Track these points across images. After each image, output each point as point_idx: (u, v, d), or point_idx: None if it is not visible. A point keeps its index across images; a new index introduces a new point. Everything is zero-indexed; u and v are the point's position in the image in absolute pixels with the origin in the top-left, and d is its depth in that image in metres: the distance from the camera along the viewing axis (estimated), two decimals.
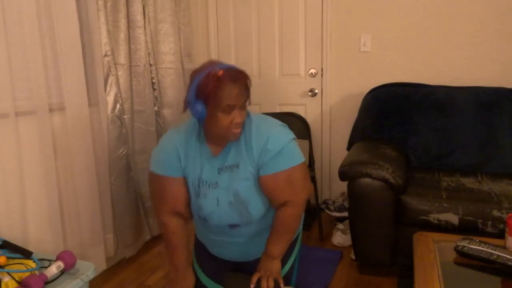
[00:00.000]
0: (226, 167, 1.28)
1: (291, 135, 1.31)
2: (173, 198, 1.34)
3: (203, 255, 1.50)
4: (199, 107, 1.19)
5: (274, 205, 1.31)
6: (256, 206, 1.29)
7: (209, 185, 1.30)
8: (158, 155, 1.34)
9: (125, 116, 2.27)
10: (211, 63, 1.22)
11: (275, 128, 1.29)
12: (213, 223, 1.34)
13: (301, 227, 1.52)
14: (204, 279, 1.45)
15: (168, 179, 1.32)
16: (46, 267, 1.37)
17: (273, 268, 1.31)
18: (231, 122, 1.20)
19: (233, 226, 1.33)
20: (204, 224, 1.39)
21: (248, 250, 1.40)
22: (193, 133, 1.32)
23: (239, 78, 1.18)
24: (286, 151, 1.26)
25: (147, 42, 2.43)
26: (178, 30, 2.70)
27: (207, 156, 1.30)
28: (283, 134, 1.28)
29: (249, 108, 1.31)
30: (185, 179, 1.33)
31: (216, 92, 1.16)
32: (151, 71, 2.50)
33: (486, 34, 2.54)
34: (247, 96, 1.23)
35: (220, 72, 1.16)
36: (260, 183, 1.28)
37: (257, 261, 1.34)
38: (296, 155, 1.29)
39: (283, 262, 1.38)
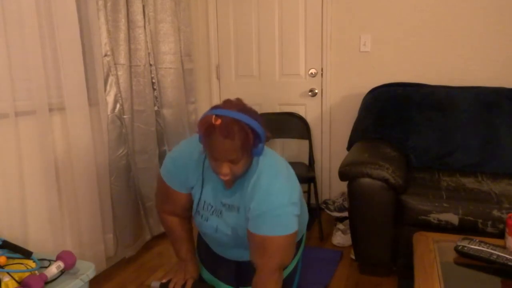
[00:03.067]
0: (228, 205, 1.26)
1: (289, 198, 1.16)
2: (175, 204, 1.35)
3: (204, 250, 1.51)
4: (201, 139, 1.13)
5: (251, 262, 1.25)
6: None
7: (213, 211, 1.28)
8: (168, 165, 1.30)
9: (125, 116, 2.27)
10: (230, 104, 1.11)
11: (275, 186, 1.17)
12: (212, 238, 1.36)
13: (305, 229, 1.51)
14: (204, 272, 1.47)
15: (173, 190, 1.32)
16: (46, 267, 1.37)
17: None
18: (218, 170, 1.12)
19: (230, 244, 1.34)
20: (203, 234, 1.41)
21: (246, 253, 1.40)
22: (203, 160, 1.27)
23: (231, 134, 1.05)
24: (270, 217, 1.14)
25: (147, 42, 2.43)
26: (178, 30, 2.70)
27: (216, 185, 1.27)
28: (277, 197, 1.15)
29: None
30: (190, 194, 1.32)
31: (205, 138, 1.09)
32: (151, 71, 2.50)
33: (486, 34, 2.54)
34: (244, 152, 1.09)
35: (217, 122, 1.05)
36: None
37: None
38: (280, 225, 1.15)
39: None
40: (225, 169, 1.11)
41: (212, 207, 1.28)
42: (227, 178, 1.13)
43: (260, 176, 1.18)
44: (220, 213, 1.27)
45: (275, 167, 1.21)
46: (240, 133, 1.06)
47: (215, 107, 1.11)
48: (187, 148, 1.29)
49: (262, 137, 1.13)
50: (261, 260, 1.19)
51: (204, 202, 1.29)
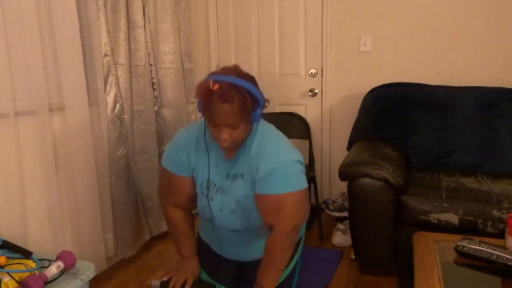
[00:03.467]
0: (232, 175, 1.26)
1: (294, 156, 1.20)
2: (179, 194, 1.35)
3: (203, 250, 1.50)
4: (199, 105, 1.16)
5: (263, 223, 1.27)
6: (258, 216, 1.27)
7: (216, 189, 1.29)
8: (169, 152, 1.32)
9: (125, 116, 2.27)
10: (227, 70, 1.13)
11: (279, 145, 1.21)
12: (217, 225, 1.34)
13: (303, 230, 1.51)
14: (202, 273, 1.47)
15: (176, 176, 1.32)
16: (46, 267, 1.37)
17: None
18: (218, 136, 1.14)
19: (235, 231, 1.33)
20: (209, 224, 1.39)
21: (250, 250, 1.40)
22: (203, 133, 1.29)
23: (229, 98, 1.06)
24: (280, 174, 1.16)
25: (147, 42, 2.43)
26: (178, 30, 2.70)
27: (218, 160, 1.28)
28: (284, 154, 1.19)
29: None
30: (193, 178, 1.33)
31: (204, 104, 1.10)
32: (151, 71, 2.50)
33: (486, 34, 2.54)
34: (243, 115, 1.11)
35: (215, 86, 1.06)
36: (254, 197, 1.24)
37: (257, 262, 1.34)
38: (291, 181, 1.18)
39: None
40: (225, 134, 1.12)
41: (215, 185, 1.29)
42: (226, 144, 1.15)
43: (263, 138, 1.21)
44: (223, 189, 1.27)
45: (275, 131, 1.27)
46: (238, 97, 1.08)
47: (212, 73, 1.13)
48: (185, 131, 1.32)
49: (260, 101, 1.16)
50: (277, 220, 1.20)
51: (208, 180, 1.29)
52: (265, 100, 1.19)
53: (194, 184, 1.34)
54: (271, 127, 1.30)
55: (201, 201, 1.33)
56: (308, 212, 1.29)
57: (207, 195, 1.30)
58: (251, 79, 1.15)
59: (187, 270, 1.40)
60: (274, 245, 1.23)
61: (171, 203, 1.38)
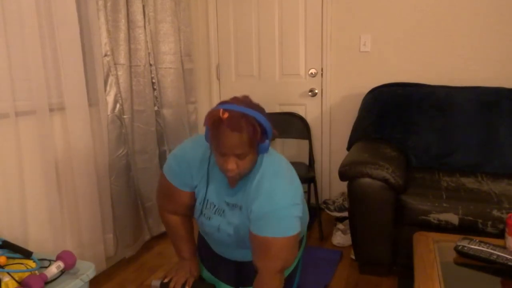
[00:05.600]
0: (231, 205, 1.25)
1: (291, 200, 1.16)
2: (178, 204, 1.34)
3: (205, 250, 1.51)
4: (207, 133, 1.14)
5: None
6: None
7: (215, 211, 1.28)
8: (172, 163, 1.29)
9: (125, 116, 2.27)
10: (237, 100, 1.11)
11: (278, 187, 1.16)
12: (214, 239, 1.36)
13: (305, 231, 1.50)
14: (203, 270, 1.47)
15: (176, 189, 1.31)
16: (46, 267, 1.37)
17: None
18: (224, 166, 1.12)
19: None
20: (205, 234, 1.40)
21: (248, 253, 1.40)
22: (208, 157, 1.26)
23: (239, 128, 1.05)
24: (272, 218, 1.13)
25: (147, 42, 2.43)
26: (178, 30, 2.70)
27: (221, 184, 1.26)
28: (280, 198, 1.14)
29: None
30: (193, 193, 1.31)
31: (212, 133, 1.09)
32: (151, 71, 2.50)
33: (486, 34, 2.54)
34: (251, 147, 1.09)
35: (225, 115, 1.05)
36: None
37: None
38: (283, 226, 1.14)
39: None
40: (232, 164, 1.10)
41: (215, 206, 1.28)
42: (233, 174, 1.12)
43: (263, 176, 1.18)
44: (223, 212, 1.27)
45: (278, 167, 1.21)
46: (248, 127, 1.06)
47: (222, 103, 1.11)
48: (192, 147, 1.29)
49: (269, 133, 1.13)
50: (263, 263, 1.18)
51: (207, 200, 1.29)
52: (274, 133, 1.16)
53: (193, 198, 1.32)
54: (274, 160, 1.23)
55: (199, 218, 1.33)
56: (295, 255, 1.26)
57: (205, 214, 1.30)
58: (261, 110, 1.13)
59: (187, 271, 1.40)
60: (258, 285, 1.21)
61: (169, 210, 1.37)
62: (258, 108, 1.12)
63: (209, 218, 1.29)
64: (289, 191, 1.17)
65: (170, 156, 1.31)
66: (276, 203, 1.14)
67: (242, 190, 1.22)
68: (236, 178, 1.17)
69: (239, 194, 1.23)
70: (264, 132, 1.11)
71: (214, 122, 1.07)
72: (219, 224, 1.28)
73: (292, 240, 1.17)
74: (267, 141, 1.13)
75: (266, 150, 1.14)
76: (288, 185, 1.18)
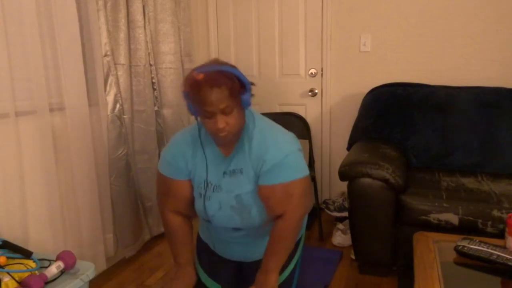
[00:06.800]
0: (230, 171, 1.27)
1: (295, 146, 1.26)
2: (178, 199, 1.35)
3: (203, 250, 1.50)
4: (190, 106, 1.18)
5: (270, 215, 1.28)
6: (258, 211, 1.28)
7: (213, 188, 1.29)
8: (165, 157, 1.33)
9: (125, 116, 2.27)
10: (208, 63, 1.18)
11: (279, 137, 1.25)
12: (216, 225, 1.34)
13: (303, 231, 1.51)
14: (202, 274, 1.46)
15: (174, 181, 1.32)
16: (46, 267, 1.37)
17: (268, 282, 1.28)
18: (214, 127, 1.15)
19: (236, 229, 1.33)
20: (208, 225, 1.39)
21: (251, 251, 1.40)
22: (198, 133, 1.30)
23: (219, 83, 1.10)
24: (286, 163, 1.21)
25: (147, 42, 2.43)
26: (178, 30, 2.70)
27: (215, 158, 1.29)
28: (286, 145, 1.24)
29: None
30: (190, 181, 1.33)
31: (193, 97, 1.12)
32: (151, 71, 2.50)
33: (486, 34, 2.54)
34: (234, 99, 1.14)
35: (200, 76, 1.10)
36: (258, 191, 1.26)
37: (258, 262, 1.34)
38: (297, 168, 1.24)
39: (283, 266, 1.37)
40: (221, 123, 1.14)
41: (212, 184, 1.29)
42: (225, 133, 1.16)
43: (263, 130, 1.25)
44: (221, 187, 1.28)
45: (269, 121, 1.32)
46: (225, 79, 1.11)
47: (194, 68, 1.16)
48: (179, 135, 1.34)
49: (247, 84, 1.18)
50: (288, 207, 1.24)
51: (204, 180, 1.30)
52: (251, 83, 1.22)
53: (191, 188, 1.34)
54: (266, 120, 1.33)
55: (198, 203, 1.33)
56: (312, 197, 1.35)
57: (204, 195, 1.30)
58: (232, 65, 1.19)
59: (183, 279, 1.39)
60: (283, 232, 1.26)
61: (171, 209, 1.37)
62: (229, 64, 1.18)
63: (209, 198, 1.30)
64: (291, 139, 1.28)
65: (162, 153, 1.36)
66: (286, 149, 1.22)
67: (241, 153, 1.26)
68: (228, 137, 1.20)
69: (238, 157, 1.26)
70: (242, 85, 1.16)
71: (192, 85, 1.12)
72: (220, 199, 1.28)
73: (308, 180, 1.29)
74: (246, 93, 1.18)
75: (248, 102, 1.20)
76: (288, 134, 1.30)
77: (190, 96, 1.14)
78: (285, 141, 1.25)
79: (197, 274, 1.45)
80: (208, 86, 1.10)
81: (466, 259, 1.40)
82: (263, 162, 1.21)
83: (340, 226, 2.55)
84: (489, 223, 1.80)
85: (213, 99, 1.10)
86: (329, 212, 2.70)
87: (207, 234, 1.47)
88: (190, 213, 1.39)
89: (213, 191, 1.29)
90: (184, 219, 1.39)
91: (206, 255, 1.49)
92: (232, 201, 1.27)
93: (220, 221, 1.31)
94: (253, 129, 1.25)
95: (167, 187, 1.34)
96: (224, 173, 1.28)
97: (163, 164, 1.34)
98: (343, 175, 1.98)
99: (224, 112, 1.14)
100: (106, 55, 2.13)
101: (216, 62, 1.18)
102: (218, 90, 1.10)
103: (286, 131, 1.31)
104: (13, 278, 1.26)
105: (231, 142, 1.26)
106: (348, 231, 2.42)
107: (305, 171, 1.26)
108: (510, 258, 1.32)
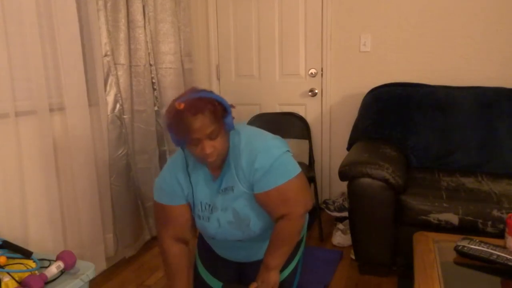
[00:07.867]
0: (222, 190, 1.28)
1: (283, 148, 1.26)
2: (177, 224, 1.35)
3: (205, 251, 1.50)
4: (174, 138, 1.18)
5: (272, 218, 1.29)
6: (257, 222, 1.29)
7: (211, 209, 1.30)
8: (160, 186, 1.33)
9: (125, 116, 2.27)
10: (186, 93, 1.17)
11: (266, 143, 1.25)
12: (219, 240, 1.36)
13: (305, 231, 1.51)
14: (202, 270, 1.47)
15: (171, 207, 1.32)
16: (46, 267, 1.37)
17: (270, 279, 1.29)
18: (202, 153, 1.15)
19: (237, 241, 1.34)
20: (210, 239, 1.40)
21: (252, 252, 1.41)
22: (185, 162, 1.31)
23: (200, 109, 1.10)
24: (276, 167, 1.21)
25: (147, 42, 2.43)
26: (178, 30, 2.70)
27: (206, 181, 1.30)
28: (274, 149, 1.23)
29: (245, 109, 1.28)
30: (188, 204, 1.34)
31: (177, 127, 1.12)
32: (151, 71, 2.50)
33: (486, 34, 2.54)
34: (218, 123, 1.14)
35: (181, 106, 1.09)
36: (255, 199, 1.26)
37: (259, 262, 1.34)
38: (288, 169, 1.24)
39: (284, 266, 1.38)
40: (208, 148, 1.14)
41: (209, 205, 1.30)
42: (213, 158, 1.17)
43: (249, 140, 1.25)
44: (217, 206, 1.29)
45: (254, 129, 1.32)
46: (207, 105, 1.12)
47: (173, 100, 1.16)
48: (171, 160, 1.35)
49: (227, 107, 1.19)
50: (289, 209, 1.24)
51: (200, 202, 1.31)
52: (231, 105, 1.22)
53: (190, 211, 1.35)
54: (251, 129, 1.32)
55: (199, 223, 1.35)
56: (311, 193, 1.34)
57: (202, 217, 1.32)
58: (209, 91, 1.19)
59: None
60: (285, 230, 1.27)
61: (171, 235, 1.36)
62: (206, 90, 1.18)
63: (208, 219, 1.31)
64: (278, 141, 1.28)
65: (155, 182, 1.36)
66: (274, 154, 1.23)
67: (228, 173, 1.26)
68: (217, 163, 1.21)
69: (227, 177, 1.26)
70: (223, 108, 1.17)
71: (175, 116, 1.11)
72: (218, 218, 1.29)
73: (302, 177, 1.28)
74: (229, 116, 1.19)
75: (231, 125, 1.20)
76: (274, 138, 1.29)
77: (173, 127, 1.13)
78: (273, 146, 1.25)
79: (194, 265, 1.45)
80: (191, 114, 1.09)
81: (466, 259, 1.40)
82: (255, 171, 1.21)
83: (340, 226, 2.55)
84: (489, 223, 1.80)
85: (198, 126, 1.10)
86: (329, 212, 2.70)
87: (207, 239, 1.48)
88: (190, 235, 1.40)
89: (211, 212, 1.30)
90: (183, 247, 1.38)
91: (207, 254, 1.49)
92: (229, 216, 1.28)
93: (223, 237, 1.33)
94: (239, 144, 1.25)
95: (166, 215, 1.34)
96: (218, 192, 1.29)
97: (158, 192, 1.33)
98: (343, 175, 1.98)
99: (210, 137, 1.14)
100: (106, 55, 2.13)
101: (193, 90, 1.18)
102: (202, 116, 1.10)
103: (273, 135, 1.31)
104: (13, 278, 1.26)
105: (218, 166, 1.26)
106: (348, 231, 2.42)
107: (296, 170, 1.26)
108: (510, 258, 1.32)
